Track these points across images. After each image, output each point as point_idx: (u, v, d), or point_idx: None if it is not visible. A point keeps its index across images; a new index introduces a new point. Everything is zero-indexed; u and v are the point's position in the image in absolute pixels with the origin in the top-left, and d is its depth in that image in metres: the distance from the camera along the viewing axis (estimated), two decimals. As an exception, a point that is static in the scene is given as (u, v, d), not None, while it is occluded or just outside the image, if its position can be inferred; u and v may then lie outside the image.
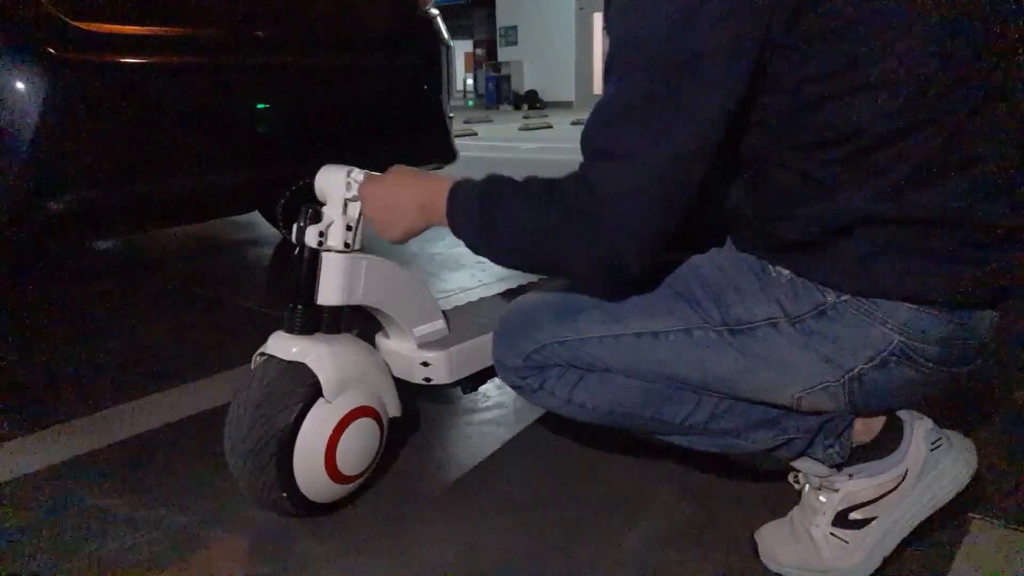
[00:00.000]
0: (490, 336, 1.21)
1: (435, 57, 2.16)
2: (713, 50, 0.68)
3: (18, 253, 2.17)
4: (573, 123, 10.13)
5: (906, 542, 0.88)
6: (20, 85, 1.46)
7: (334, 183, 1.00)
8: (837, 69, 0.70)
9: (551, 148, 6.91)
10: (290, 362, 0.97)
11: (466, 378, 1.18)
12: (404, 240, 0.98)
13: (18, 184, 1.46)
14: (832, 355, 0.79)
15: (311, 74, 1.88)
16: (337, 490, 1.02)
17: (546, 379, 0.91)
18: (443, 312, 1.22)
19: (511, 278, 2.38)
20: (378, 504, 1.08)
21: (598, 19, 14.59)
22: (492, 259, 0.88)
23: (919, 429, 0.86)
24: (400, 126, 2.02)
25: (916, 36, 0.69)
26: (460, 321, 1.25)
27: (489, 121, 11.28)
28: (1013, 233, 0.74)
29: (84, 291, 2.30)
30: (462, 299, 2.17)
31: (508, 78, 16.23)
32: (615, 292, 0.88)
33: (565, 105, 15.16)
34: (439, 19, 2.27)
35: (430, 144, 2.18)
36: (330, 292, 1.00)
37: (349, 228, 0.99)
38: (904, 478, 0.85)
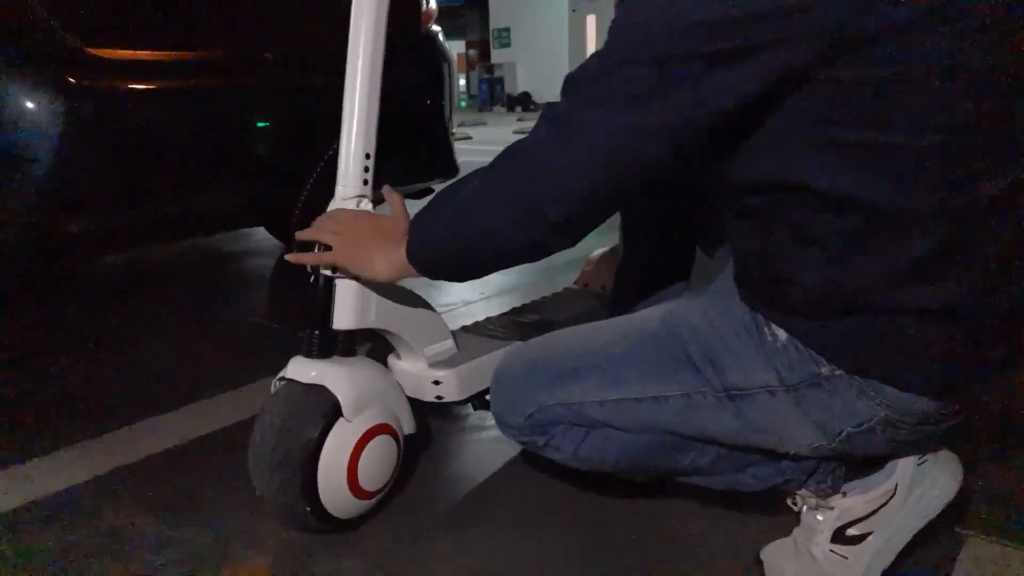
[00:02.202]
0: (499, 353, 1.27)
1: (438, 74, 2.21)
2: (731, 51, 0.66)
3: (32, 273, 2.21)
4: (567, 125, 10.19)
5: (903, 558, 0.93)
6: (36, 110, 1.50)
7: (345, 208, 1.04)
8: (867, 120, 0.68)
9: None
10: (310, 385, 1.02)
11: (476, 395, 1.23)
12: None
13: (36, 206, 1.50)
14: (823, 421, 0.82)
15: (317, 93, 1.92)
16: (359, 506, 1.06)
17: (551, 437, 0.96)
18: (452, 332, 1.27)
19: (514, 291, 2.43)
20: (394, 519, 1.13)
21: (591, 21, 14.64)
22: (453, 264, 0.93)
23: None
24: (403, 143, 2.06)
25: (950, 110, 0.67)
26: (468, 340, 1.30)
27: (483, 124, 11.33)
28: (1008, 329, 0.76)
29: (89, 307, 2.34)
30: (465, 312, 2.22)
31: (501, 80, 16.28)
32: (613, 352, 0.92)
33: (559, 107, 15.24)
34: (441, 36, 2.32)
35: (432, 159, 2.23)
36: (345, 317, 1.04)
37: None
38: (895, 493, 0.90)
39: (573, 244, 0.85)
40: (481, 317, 2.16)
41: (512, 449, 1.35)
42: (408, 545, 1.07)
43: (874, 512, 0.91)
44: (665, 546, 1.05)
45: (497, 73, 16.27)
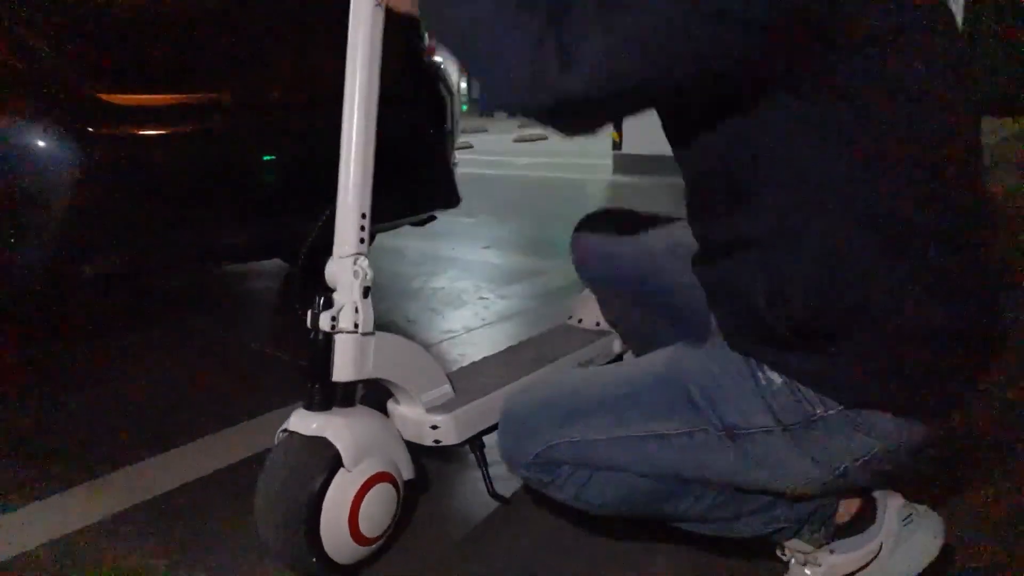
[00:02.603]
0: (494, 395, 1.31)
1: (440, 106, 2.25)
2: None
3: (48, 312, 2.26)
4: (568, 134, 10.23)
5: None
6: (51, 155, 1.55)
7: (343, 271, 1.09)
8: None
9: (546, 164, 6.99)
10: (311, 437, 1.06)
11: (473, 437, 1.27)
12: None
13: (55, 250, 1.56)
14: (821, 458, 0.86)
15: (322, 129, 1.97)
16: (361, 551, 1.10)
17: (556, 476, 0.99)
18: (448, 376, 1.31)
19: (514, 317, 2.47)
20: (394, 563, 1.17)
21: (592, 27, 14.70)
22: (443, 30, 0.87)
23: (891, 507, 0.97)
24: (406, 174, 2.10)
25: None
26: (465, 383, 1.33)
27: (484, 131, 11.39)
28: (993, 346, 0.81)
29: (95, 338, 2.39)
30: (467, 339, 2.26)
31: (503, 86, 16.31)
32: (617, 392, 0.96)
33: (560, 113, 15.28)
34: (443, 67, 2.36)
35: (435, 190, 2.27)
36: (344, 370, 1.09)
37: (357, 311, 1.08)
38: (880, 551, 0.95)
39: (570, 130, 0.85)
40: (482, 343, 2.22)
41: (510, 486, 1.39)
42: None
43: (860, 569, 0.95)
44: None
45: (499, 79, 16.32)
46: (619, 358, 1.71)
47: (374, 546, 1.13)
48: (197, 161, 1.75)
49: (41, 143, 1.54)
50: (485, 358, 1.53)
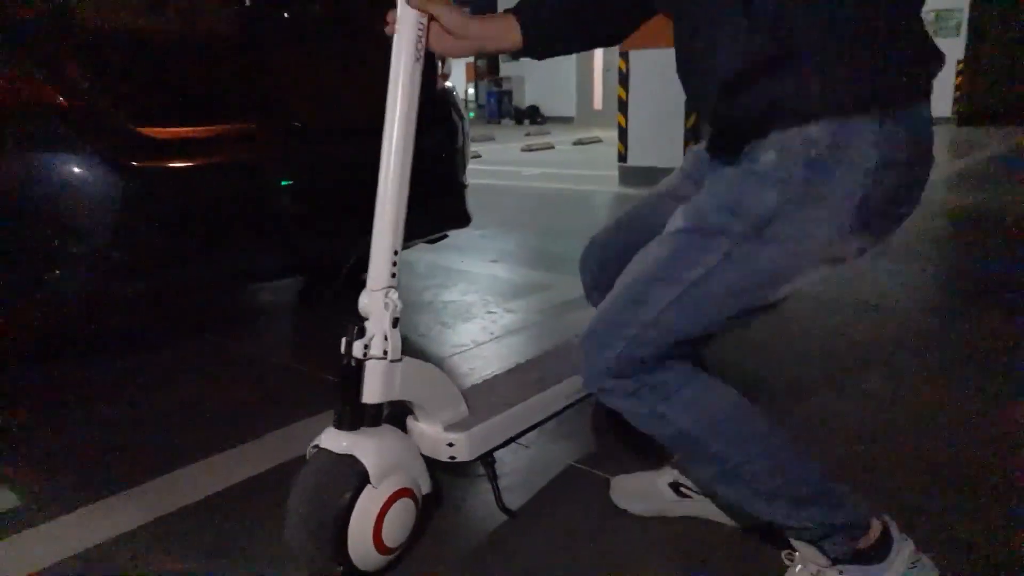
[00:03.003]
0: (505, 415, 1.40)
1: (453, 130, 2.35)
2: None
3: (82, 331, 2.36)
4: (575, 143, 10.31)
5: None
6: (91, 184, 1.66)
7: (375, 303, 1.18)
8: None
9: (552, 175, 7.09)
10: (342, 455, 1.15)
11: (485, 453, 1.37)
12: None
13: (98, 273, 1.66)
14: (832, 207, 0.91)
15: (346, 157, 2.08)
16: (382, 560, 1.20)
17: (640, 387, 1.02)
18: (463, 393, 1.40)
19: (520, 331, 2.56)
20: (409, 571, 1.26)
21: (599, 37, 14.84)
22: None
23: (904, 549, 1.06)
24: (422, 197, 2.20)
25: None
26: (478, 402, 1.43)
27: (491, 139, 11.48)
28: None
29: (120, 352, 2.49)
30: (476, 353, 2.35)
31: (510, 93, 16.45)
32: (660, 259, 1.01)
33: (566, 120, 15.40)
34: (455, 92, 2.46)
35: (447, 212, 2.37)
36: (373, 393, 1.18)
37: (386, 339, 1.18)
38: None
39: None
40: (491, 356, 2.31)
41: (516, 499, 1.48)
42: (425, 595, 1.20)
43: None
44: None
45: (506, 86, 16.45)
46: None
47: (394, 555, 1.22)
48: (226, 188, 1.85)
49: (85, 174, 1.64)
50: (496, 376, 1.62)
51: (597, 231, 1.37)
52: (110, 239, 1.71)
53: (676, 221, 1.03)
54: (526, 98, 16.48)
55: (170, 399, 2.02)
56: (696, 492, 1.37)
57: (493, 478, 1.41)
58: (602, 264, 1.31)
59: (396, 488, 1.19)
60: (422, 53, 1.16)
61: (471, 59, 19.95)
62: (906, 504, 1.40)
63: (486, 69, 18.41)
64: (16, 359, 2.20)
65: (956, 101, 11.80)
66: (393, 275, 1.19)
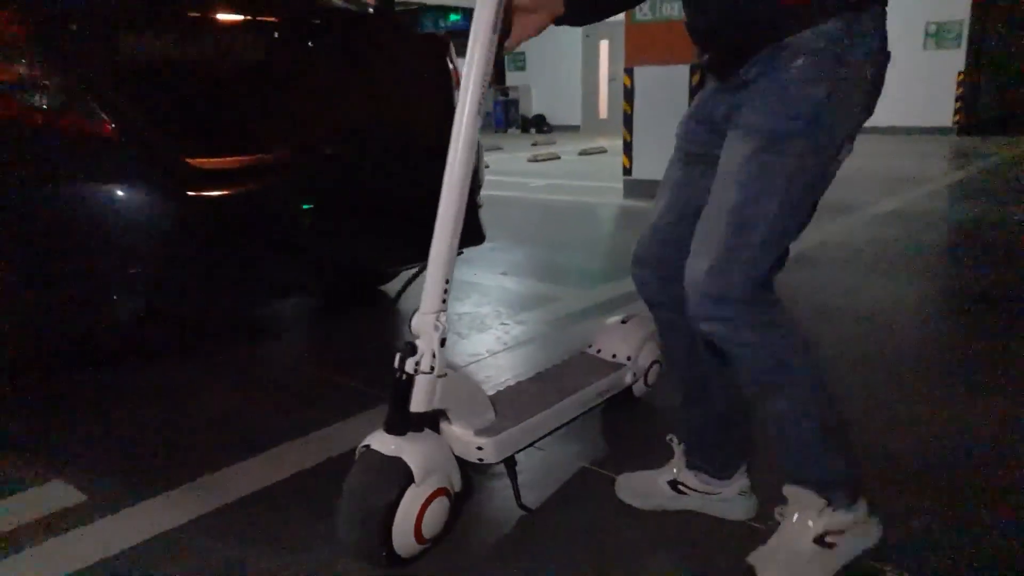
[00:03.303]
0: (527, 423, 1.57)
1: (469, 156, 2.53)
2: None
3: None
4: (581, 153, 10.48)
5: None
6: (145, 211, 1.84)
7: (426, 324, 1.36)
8: None
9: (558, 186, 7.26)
10: (390, 456, 1.33)
11: (508, 457, 1.54)
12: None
13: (146, 292, 1.84)
14: (860, 72, 1.15)
15: (375, 182, 2.27)
16: (420, 549, 1.38)
17: (755, 315, 1.20)
18: (490, 399, 1.57)
19: (530, 342, 2.73)
20: (438, 560, 1.44)
21: (604, 47, 15.00)
22: None
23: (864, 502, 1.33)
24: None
25: None
26: (504, 408, 1.60)
27: (499, 148, 11.65)
28: None
29: (157, 357, 2.67)
30: (491, 362, 2.53)
31: (516, 102, 16.64)
32: (747, 193, 1.17)
33: (572, 129, 15.57)
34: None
35: (464, 231, 2.54)
36: (420, 403, 1.36)
37: (434, 357, 1.36)
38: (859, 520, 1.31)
39: None
40: (505, 365, 2.48)
41: (531, 496, 1.65)
42: (451, 571, 1.38)
43: (848, 528, 1.29)
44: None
45: (512, 95, 16.63)
46: (628, 390, 1.97)
47: (429, 544, 1.39)
48: (261, 213, 2.03)
49: (143, 203, 1.83)
50: (520, 383, 1.80)
51: (643, 229, 1.46)
52: (164, 261, 1.89)
53: (742, 149, 1.19)
54: (533, 107, 16.67)
55: (205, 406, 2.20)
56: (692, 489, 1.55)
57: (514, 478, 1.58)
58: (662, 259, 1.41)
59: (435, 488, 1.36)
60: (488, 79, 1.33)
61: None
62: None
63: (493, 78, 18.60)
64: (65, 366, 2.38)
65: (956, 112, 11.95)
66: (444, 300, 1.37)
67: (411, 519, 1.32)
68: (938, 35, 11.91)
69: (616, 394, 1.93)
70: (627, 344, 1.98)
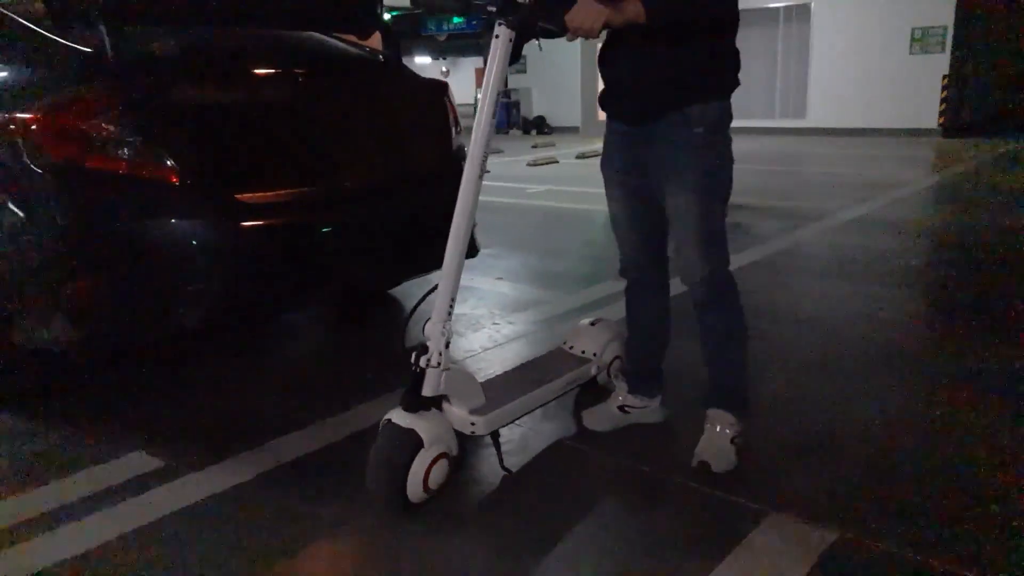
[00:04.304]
0: (510, 405, 2.04)
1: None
2: None
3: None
4: (578, 156, 10.91)
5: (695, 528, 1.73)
6: (200, 241, 2.31)
7: (435, 331, 1.84)
8: None
9: (556, 192, 7.71)
10: (407, 428, 1.80)
11: (494, 432, 2.02)
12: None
13: (204, 307, 2.32)
14: (727, 128, 2.02)
15: (390, 205, 2.76)
16: (427, 496, 1.85)
17: (726, 286, 2.05)
18: (481, 385, 2.04)
19: (521, 338, 3.20)
20: (434, 509, 1.91)
21: (602, 50, 15.45)
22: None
23: None
24: (441, 235, 2.86)
25: None
26: (492, 393, 2.07)
27: (500, 152, 12.11)
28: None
29: (216, 354, 3.16)
30: (484, 357, 3.00)
31: (518, 103, 17.10)
32: (704, 205, 1.94)
33: (572, 130, 16.01)
34: (466, 149, 3.11)
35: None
36: (429, 389, 1.84)
37: (440, 355, 1.83)
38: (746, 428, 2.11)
39: None
40: (495, 360, 2.95)
41: (515, 460, 2.12)
42: (445, 518, 1.86)
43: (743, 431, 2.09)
44: (626, 540, 1.84)
45: (514, 97, 17.08)
46: (593, 381, 2.44)
47: (433, 494, 1.87)
48: (295, 239, 2.50)
49: (201, 233, 2.29)
50: (506, 372, 2.29)
51: (623, 247, 2.21)
52: (219, 279, 2.36)
53: (683, 198, 1.94)
54: (533, 109, 17.13)
55: (252, 392, 2.68)
56: (632, 407, 2.29)
57: (498, 447, 2.06)
58: (640, 265, 2.21)
59: (439, 452, 1.84)
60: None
61: (480, 65, 20.60)
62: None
63: (494, 78, 19.00)
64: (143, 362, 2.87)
65: (941, 114, 12.36)
66: (450, 313, 1.85)
67: (420, 474, 1.80)
68: (923, 39, 12.32)
69: (585, 383, 2.40)
70: (594, 343, 2.45)
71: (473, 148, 1.81)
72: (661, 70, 1.88)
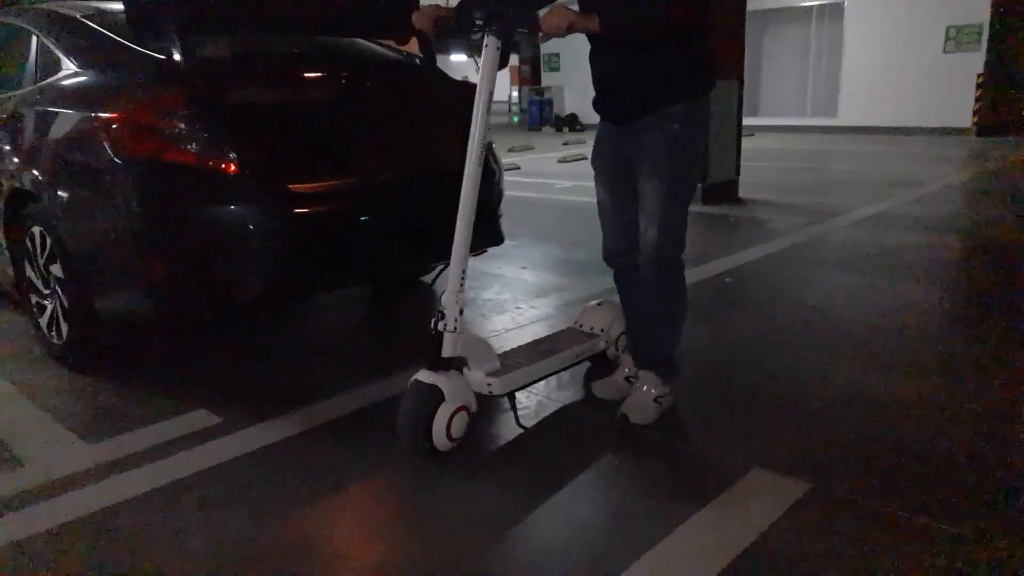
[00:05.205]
0: (523, 370, 2.33)
1: (490, 175, 3.28)
2: None
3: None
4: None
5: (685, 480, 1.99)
6: (258, 225, 2.63)
7: (450, 300, 2.13)
8: None
9: (582, 188, 7.95)
10: (431, 384, 2.10)
11: (509, 392, 2.30)
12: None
13: (262, 283, 2.65)
14: (705, 123, 2.35)
15: (422, 197, 3.06)
16: (450, 445, 2.15)
17: (679, 263, 2.32)
18: (497, 355, 2.33)
19: (541, 321, 3.48)
20: (457, 460, 2.20)
21: (635, 49, 15.60)
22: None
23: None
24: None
25: None
26: (507, 361, 2.36)
27: (531, 148, 12.36)
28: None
29: (266, 327, 3.50)
30: (508, 336, 3.28)
31: (551, 101, 17.38)
32: (669, 196, 2.21)
33: (603, 128, 16.23)
34: (492, 144, 3.40)
35: (487, 234, 3.29)
36: (447, 351, 2.13)
37: (456, 320, 2.12)
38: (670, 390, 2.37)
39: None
40: (517, 339, 3.26)
41: (529, 421, 2.40)
42: (468, 465, 2.15)
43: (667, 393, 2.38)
44: (615, 501, 2.12)
45: (547, 95, 17.35)
46: (602, 354, 2.71)
47: (456, 443, 2.16)
48: (345, 224, 2.82)
49: (259, 219, 2.61)
50: (522, 345, 2.57)
51: (606, 233, 2.51)
52: (273, 259, 2.68)
53: (653, 183, 2.20)
54: (565, 106, 17.37)
55: (298, 360, 3.01)
56: (637, 379, 2.43)
57: (514, 407, 2.35)
58: (617, 251, 2.48)
59: (459, 405, 2.13)
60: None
61: (516, 63, 20.88)
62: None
63: (530, 77, 19.33)
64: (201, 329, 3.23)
65: (975, 113, 12.30)
66: (462, 284, 2.14)
67: (443, 424, 2.10)
68: (958, 37, 12.27)
69: (594, 355, 2.67)
70: (601, 320, 2.72)
71: (471, 142, 2.13)
72: (638, 74, 2.16)
